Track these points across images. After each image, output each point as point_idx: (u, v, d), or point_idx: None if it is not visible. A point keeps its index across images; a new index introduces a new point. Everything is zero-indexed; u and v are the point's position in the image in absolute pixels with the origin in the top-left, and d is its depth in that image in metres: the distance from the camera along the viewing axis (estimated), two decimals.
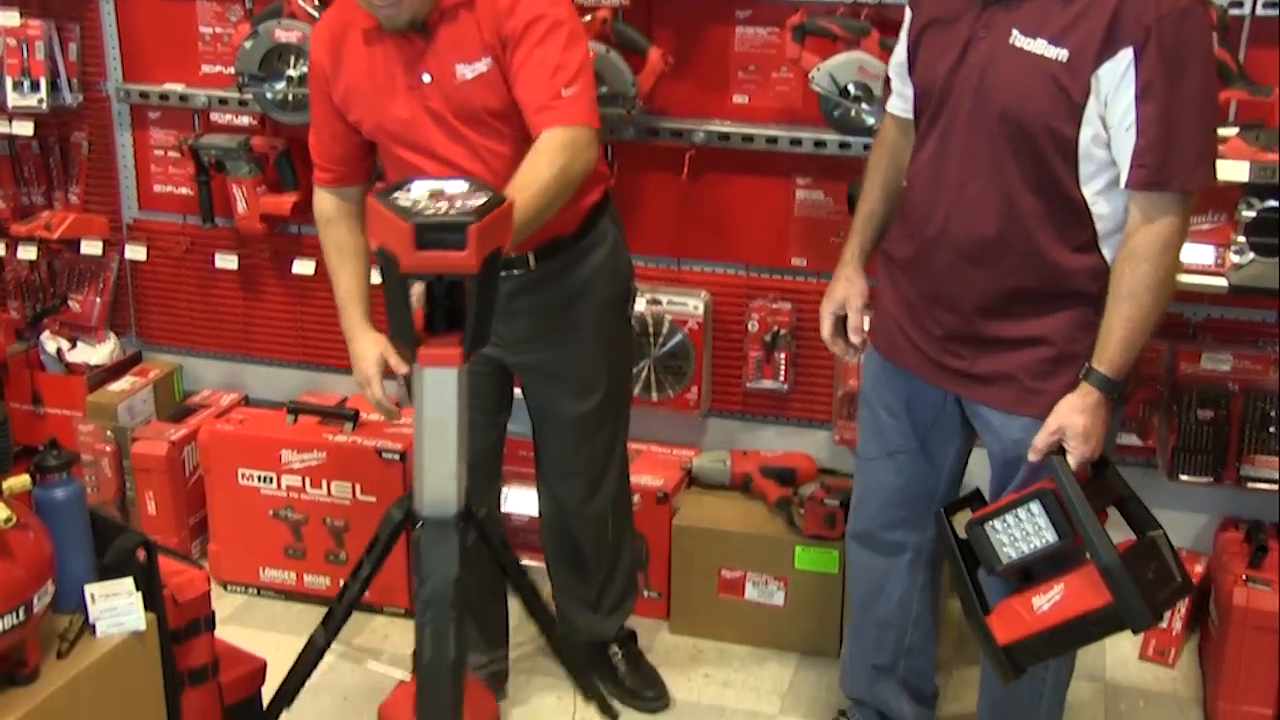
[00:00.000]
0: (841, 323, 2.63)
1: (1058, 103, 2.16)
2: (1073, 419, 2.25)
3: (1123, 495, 2.36)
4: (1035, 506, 2.26)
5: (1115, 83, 2.11)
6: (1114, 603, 2.21)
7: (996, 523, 2.30)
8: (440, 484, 2.45)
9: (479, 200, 2.19)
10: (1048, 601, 2.27)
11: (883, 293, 2.55)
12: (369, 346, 2.63)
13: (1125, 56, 2.09)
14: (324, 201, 2.69)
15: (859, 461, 2.72)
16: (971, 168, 2.28)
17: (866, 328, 2.61)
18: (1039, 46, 2.17)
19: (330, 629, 2.70)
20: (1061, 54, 2.15)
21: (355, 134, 2.62)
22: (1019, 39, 2.19)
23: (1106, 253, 2.26)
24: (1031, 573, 2.33)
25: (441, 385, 2.35)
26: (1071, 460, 2.26)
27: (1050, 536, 2.26)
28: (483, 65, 2.48)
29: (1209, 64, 2.20)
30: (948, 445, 2.58)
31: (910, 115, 2.46)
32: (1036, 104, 2.18)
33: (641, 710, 3.07)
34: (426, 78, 2.49)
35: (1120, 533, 2.29)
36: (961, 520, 2.44)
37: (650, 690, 3.11)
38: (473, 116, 2.52)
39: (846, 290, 2.60)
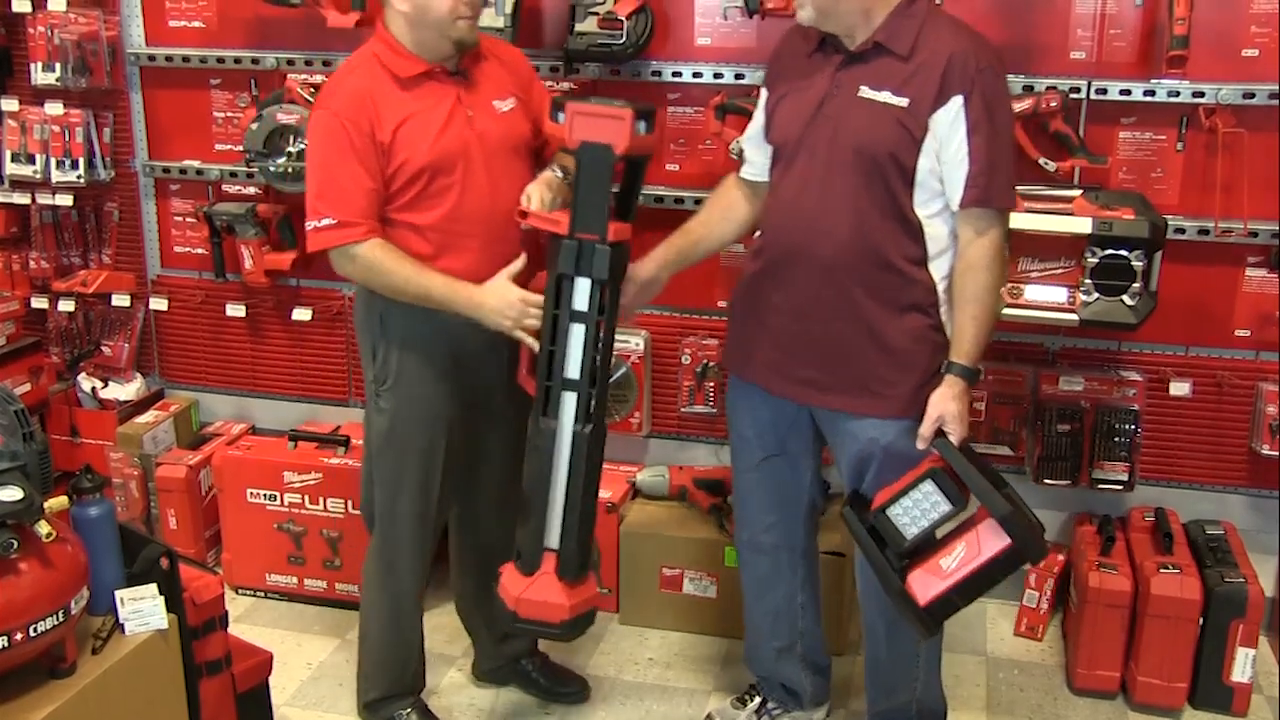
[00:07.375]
0: None
1: (901, 137, 2.27)
2: (948, 406, 2.32)
3: (979, 464, 2.38)
4: (928, 485, 2.30)
5: (949, 123, 2.24)
6: (1014, 544, 2.24)
7: (896, 507, 2.32)
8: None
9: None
10: (954, 560, 2.29)
11: (738, 319, 2.59)
12: (500, 282, 2.46)
13: (956, 103, 2.23)
14: (374, 249, 2.44)
15: (735, 475, 2.73)
16: (830, 195, 2.35)
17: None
18: (884, 96, 2.28)
19: None
20: (903, 101, 2.26)
21: (383, 188, 2.46)
22: (866, 91, 2.30)
23: (934, 270, 2.34)
24: (918, 548, 2.33)
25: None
26: (953, 439, 2.31)
27: (945, 507, 2.29)
28: (512, 102, 2.57)
29: (1010, 109, 2.39)
30: (804, 451, 2.60)
31: (758, 178, 2.55)
32: (884, 138, 2.28)
33: (569, 703, 3.00)
34: (470, 112, 2.50)
35: None
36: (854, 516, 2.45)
37: (568, 686, 3.03)
38: (507, 145, 2.56)
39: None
